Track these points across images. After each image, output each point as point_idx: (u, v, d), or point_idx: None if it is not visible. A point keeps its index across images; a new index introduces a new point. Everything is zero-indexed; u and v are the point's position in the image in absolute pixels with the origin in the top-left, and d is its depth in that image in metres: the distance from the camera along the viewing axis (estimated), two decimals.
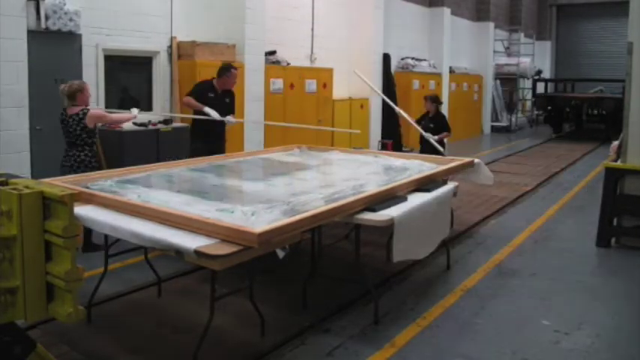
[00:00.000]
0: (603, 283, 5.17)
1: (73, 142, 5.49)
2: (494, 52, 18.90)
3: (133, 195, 4.05)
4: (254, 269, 3.82)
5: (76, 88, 5.51)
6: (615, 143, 6.59)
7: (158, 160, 6.69)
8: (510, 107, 20.02)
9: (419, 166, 5.64)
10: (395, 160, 6.08)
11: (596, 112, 18.02)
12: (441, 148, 7.46)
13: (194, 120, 6.72)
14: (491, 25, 18.51)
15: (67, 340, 3.76)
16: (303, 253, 5.18)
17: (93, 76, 7.30)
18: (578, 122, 18.98)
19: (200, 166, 5.47)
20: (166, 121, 7.73)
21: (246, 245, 3.15)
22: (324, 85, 10.84)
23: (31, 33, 6.33)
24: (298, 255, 5.20)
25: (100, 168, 5.75)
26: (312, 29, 11.28)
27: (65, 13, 6.68)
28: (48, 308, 2.55)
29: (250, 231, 3.16)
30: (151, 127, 7.42)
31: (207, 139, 6.56)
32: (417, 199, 4.53)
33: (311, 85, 10.48)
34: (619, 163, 6.10)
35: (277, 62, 9.91)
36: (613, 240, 6.15)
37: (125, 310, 4.36)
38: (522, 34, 21.09)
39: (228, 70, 6.70)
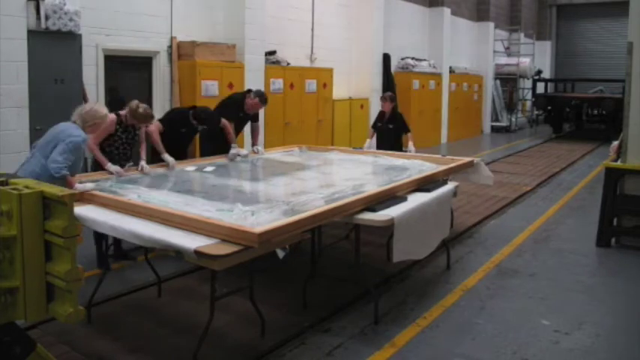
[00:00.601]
0: (603, 283, 5.16)
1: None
2: (494, 52, 18.90)
3: (133, 195, 4.05)
4: (254, 269, 3.82)
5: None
6: (615, 143, 6.59)
7: None
8: (510, 107, 20.02)
9: (419, 166, 5.66)
10: (395, 160, 6.09)
11: (596, 112, 17.99)
12: (413, 149, 7.18)
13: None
14: (491, 25, 18.52)
15: (67, 340, 3.76)
16: (303, 253, 5.18)
17: (93, 76, 7.29)
18: (578, 122, 18.94)
19: (201, 165, 5.47)
20: None
21: (246, 245, 3.15)
22: (324, 85, 10.84)
23: (31, 33, 6.33)
24: (298, 255, 5.20)
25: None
26: (312, 29, 11.28)
27: (65, 13, 6.67)
28: (48, 308, 2.55)
29: (250, 231, 3.17)
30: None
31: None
32: (417, 199, 4.53)
33: (311, 85, 10.47)
34: (619, 163, 6.09)
35: (277, 62, 9.91)
36: (613, 240, 6.15)
37: (125, 310, 4.35)
38: (522, 34, 21.08)
39: (266, 102, 6.71)
